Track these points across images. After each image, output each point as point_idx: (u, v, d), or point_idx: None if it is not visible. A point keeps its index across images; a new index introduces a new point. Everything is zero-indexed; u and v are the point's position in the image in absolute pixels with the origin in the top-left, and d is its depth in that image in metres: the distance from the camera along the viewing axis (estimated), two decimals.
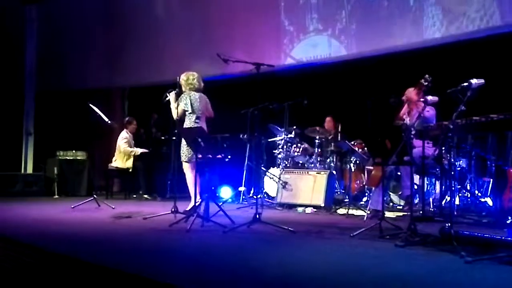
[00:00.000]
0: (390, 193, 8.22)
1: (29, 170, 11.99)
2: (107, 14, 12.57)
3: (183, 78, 7.15)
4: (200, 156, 6.23)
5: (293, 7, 10.03)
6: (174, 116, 7.01)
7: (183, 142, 6.88)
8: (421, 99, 5.43)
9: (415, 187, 7.13)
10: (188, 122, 7.00)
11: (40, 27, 12.56)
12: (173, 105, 7.02)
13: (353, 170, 8.55)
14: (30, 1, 12.43)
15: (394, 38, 8.74)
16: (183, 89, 7.11)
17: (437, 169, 6.87)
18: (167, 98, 7.05)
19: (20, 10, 12.42)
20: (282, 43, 10.17)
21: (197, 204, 6.48)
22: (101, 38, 12.66)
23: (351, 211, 7.34)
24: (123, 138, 9.93)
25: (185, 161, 6.96)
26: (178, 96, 7.04)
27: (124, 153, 9.86)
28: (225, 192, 9.61)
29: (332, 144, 9.20)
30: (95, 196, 7.95)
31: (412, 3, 8.53)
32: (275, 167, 9.23)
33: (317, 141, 9.15)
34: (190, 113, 7.00)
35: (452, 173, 6.89)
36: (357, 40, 9.20)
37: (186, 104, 6.97)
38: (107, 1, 12.66)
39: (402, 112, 6.88)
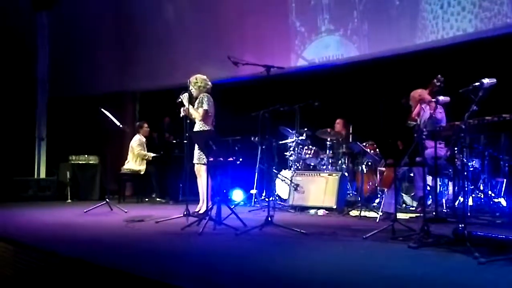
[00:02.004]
0: (403, 194, 8.18)
1: (42, 175, 12.07)
2: (118, 20, 12.65)
3: (195, 81, 7.14)
4: (211, 159, 6.24)
5: (304, 8, 10.03)
6: (198, 118, 7.02)
7: None
8: (433, 100, 5.40)
9: (428, 188, 7.09)
10: (207, 125, 7.03)
11: (52, 33, 12.65)
12: (191, 108, 7.03)
13: (365, 171, 8.51)
14: (42, 8, 12.53)
15: (406, 37, 8.71)
16: (196, 91, 7.12)
17: (450, 170, 6.84)
18: (179, 100, 7.07)
19: (32, 17, 12.52)
20: (293, 44, 10.17)
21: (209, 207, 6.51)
22: (112, 43, 12.73)
23: (363, 213, 7.31)
24: (137, 141, 9.97)
25: (204, 164, 6.95)
26: (190, 98, 7.06)
27: (138, 155, 9.89)
28: (237, 195, 9.62)
29: (344, 145, 9.17)
30: (107, 200, 7.99)
31: (424, 2, 8.49)
32: (287, 170, 9.22)
33: (328, 143, 9.12)
34: (210, 115, 7.04)
35: (465, 173, 6.84)
36: (369, 40, 9.18)
37: (209, 106, 7.01)
38: (118, 6, 12.73)
39: (415, 113, 6.85)
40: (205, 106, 6.99)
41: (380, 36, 9.05)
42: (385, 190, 6.90)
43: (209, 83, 7.24)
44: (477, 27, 7.86)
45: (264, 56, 9.23)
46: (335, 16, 9.65)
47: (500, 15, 7.62)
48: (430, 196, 7.35)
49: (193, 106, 7.09)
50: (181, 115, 7.07)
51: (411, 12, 8.64)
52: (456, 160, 6.34)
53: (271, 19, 10.38)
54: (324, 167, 8.98)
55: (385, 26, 8.98)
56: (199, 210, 6.95)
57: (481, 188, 7.63)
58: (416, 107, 6.84)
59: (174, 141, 10.40)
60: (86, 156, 10.99)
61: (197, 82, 7.14)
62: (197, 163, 7.06)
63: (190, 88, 7.12)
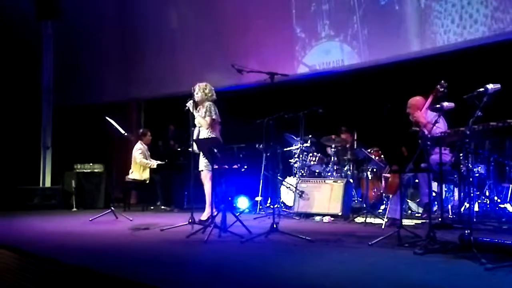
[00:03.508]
0: (408, 200, 8.16)
1: (47, 183, 12.08)
2: (122, 28, 12.70)
3: (204, 87, 7.12)
4: (216, 166, 6.24)
5: (305, 14, 10.05)
6: (205, 126, 7.01)
7: None
8: (437, 106, 5.40)
9: (433, 194, 7.07)
10: (215, 133, 7.03)
11: (56, 42, 12.70)
12: (198, 116, 7.00)
13: (370, 178, 8.50)
14: (46, 17, 12.57)
15: (406, 42, 8.70)
16: (201, 98, 7.09)
17: (455, 176, 6.81)
18: (186, 108, 7.06)
19: (36, 26, 12.57)
20: (294, 50, 10.18)
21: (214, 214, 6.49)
22: (117, 52, 12.78)
23: (369, 220, 7.30)
24: (138, 149, 9.97)
25: (210, 170, 6.92)
26: (196, 105, 7.04)
27: (140, 164, 9.90)
28: (242, 202, 9.61)
29: (349, 152, 9.16)
30: (112, 208, 7.99)
31: (423, 7, 8.48)
32: (292, 177, 9.21)
33: (333, 149, 9.11)
34: (217, 123, 7.04)
35: (471, 179, 6.81)
36: (369, 45, 9.18)
37: (217, 115, 7.01)
38: (122, 15, 12.78)
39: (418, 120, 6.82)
40: (214, 115, 6.99)
41: (380, 41, 9.05)
42: (390, 196, 6.88)
43: (215, 94, 7.24)
44: (485, 33, 7.84)
45: (267, 62, 9.27)
46: (335, 21, 9.66)
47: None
48: (436, 202, 7.33)
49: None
50: (185, 109, 7.05)
51: (411, 17, 8.64)
52: (461, 166, 6.32)
53: (273, 26, 10.39)
54: (329, 174, 8.97)
55: (385, 32, 8.98)
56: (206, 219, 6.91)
57: (487, 194, 7.59)
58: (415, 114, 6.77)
59: (179, 149, 10.40)
60: (91, 164, 11.00)
61: (205, 89, 7.12)
62: (205, 169, 7.01)
63: (196, 93, 7.08)
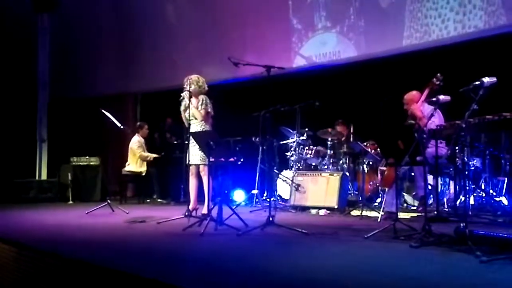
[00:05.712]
0: (404, 193, 8.18)
1: (44, 176, 12.08)
2: (119, 21, 12.66)
3: (197, 79, 7.05)
4: (212, 159, 6.23)
5: (301, 5, 10.05)
6: (200, 118, 6.96)
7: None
8: (433, 99, 5.40)
9: (429, 187, 7.08)
10: (208, 126, 7.02)
11: (52, 35, 12.67)
12: (194, 108, 6.97)
13: (366, 171, 8.51)
14: (43, 10, 12.54)
15: (403, 35, 8.68)
16: (195, 92, 7.03)
17: (451, 169, 6.83)
18: (181, 98, 7.02)
19: (32, 19, 12.53)
20: (291, 42, 10.17)
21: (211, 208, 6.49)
22: (113, 45, 12.75)
23: (365, 213, 7.29)
24: (136, 142, 9.91)
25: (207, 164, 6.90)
26: (190, 98, 6.99)
27: (140, 158, 9.86)
28: (238, 195, 9.61)
29: (345, 145, 9.17)
30: (109, 201, 7.99)
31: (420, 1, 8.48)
32: (288, 170, 9.22)
33: (329, 142, 9.11)
34: (210, 116, 7.03)
35: (466, 172, 6.83)
36: (366, 36, 9.17)
37: (211, 108, 7.00)
38: (119, 8, 12.74)
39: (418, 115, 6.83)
40: (209, 108, 6.97)
41: (377, 33, 9.03)
42: (386, 189, 6.90)
43: (206, 86, 7.19)
44: (482, 26, 7.83)
45: (264, 54, 9.25)
46: (331, 13, 9.65)
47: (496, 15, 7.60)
48: (431, 195, 7.34)
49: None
50: (180, 98, 7.02)
51: (408, 9, 8.61)
52: (457, 159, 6.34)
53: (270, 17, 10.38)
54: (325, 167, 8.97)
55: (381, 23, 8.96)
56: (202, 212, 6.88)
57: (482, 187, 7.63)
58: (412, 107, 6.78)
59: (175, 142, 10.38)
60: (87, 157, 10.98)
61: (198, 82, 7.07)
62: (202, 163, 6.97)
63: (189, 87, 6.99)
